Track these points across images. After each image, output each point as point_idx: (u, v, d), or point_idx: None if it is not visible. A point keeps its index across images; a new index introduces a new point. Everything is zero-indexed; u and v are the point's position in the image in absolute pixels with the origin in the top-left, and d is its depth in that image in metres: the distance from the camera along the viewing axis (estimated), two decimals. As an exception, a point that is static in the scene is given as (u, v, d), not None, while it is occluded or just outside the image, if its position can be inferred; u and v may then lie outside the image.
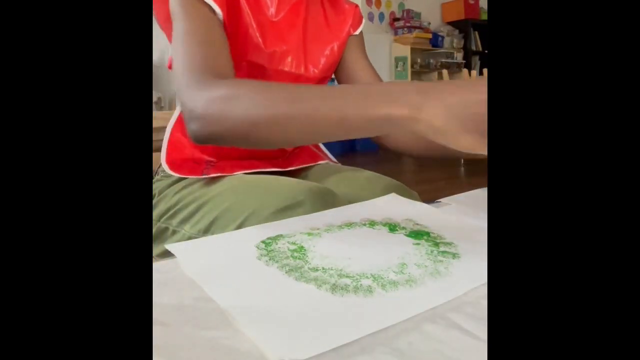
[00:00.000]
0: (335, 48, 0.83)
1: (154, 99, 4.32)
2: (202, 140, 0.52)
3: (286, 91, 0.47)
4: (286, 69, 0.76)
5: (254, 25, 0.71)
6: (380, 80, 0.86)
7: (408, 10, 5.62)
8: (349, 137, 0.44)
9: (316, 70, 0.80)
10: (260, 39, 0.72)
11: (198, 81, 0.53)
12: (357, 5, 0.87)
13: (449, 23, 5.98)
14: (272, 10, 0.74)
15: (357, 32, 0.86)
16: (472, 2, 5.82)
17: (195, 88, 0.53)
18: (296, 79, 0.78)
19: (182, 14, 0.61)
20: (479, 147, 0.36)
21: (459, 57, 5.98)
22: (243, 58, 0.72)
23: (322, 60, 0.81)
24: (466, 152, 0.38)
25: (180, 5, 0.61)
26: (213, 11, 0.63)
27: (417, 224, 0.50)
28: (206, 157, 0.78)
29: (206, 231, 0.65)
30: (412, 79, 5.48)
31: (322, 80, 0.83)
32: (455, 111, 0.36)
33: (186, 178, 0.74)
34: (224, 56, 0.60)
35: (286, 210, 0.58)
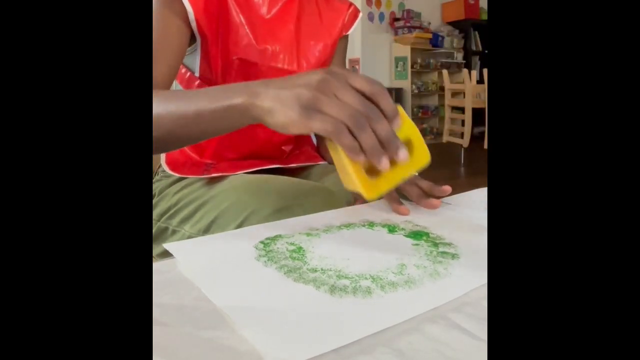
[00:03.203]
0: (329, 45, 0.84)
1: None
2: None
3: (162, 94, 0.52)
4: (279, 65, 0.78)
5: (245, 24, 0.73)
6: None
7: (408, 10, 5.61)
8: (212, 132, 0.49)
9: (309, 67, 0.81)
10: (251, 37, 0.74)
11: None
12: (351, 3, 0.88)
13: (449, 23, 5.98)
14: (264, 9, 0.76)
15: (349, 32, 0.88)
16: (472, 2, 5.82)
17: None
18: (288, 74, 0.79)
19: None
20: (290, 123, 0.40)
21: (459, 57, 5.98)
22: (235, 56, 0.73)
23: (316, 57, 0.82)
24: (285, 132, 0.41)
25: (155, 3, 0.66)
26: (183, 11, 0.66)
27: (417, 225, 0.50)
28: (205, 161, 0.79)
29: (206, 231, 0.65)
30: (412, 79, 5.49)
31: None
32: (281, 92, 0.41)
33: (186, 178, 0.74)
34: (163, 65, 0.65)
35: (286, 210, 0.58)
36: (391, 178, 0.41)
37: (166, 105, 0.50)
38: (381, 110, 0.40)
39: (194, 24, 0.68)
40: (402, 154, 0.39)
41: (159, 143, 0.53)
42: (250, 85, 0.44)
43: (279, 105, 0.41)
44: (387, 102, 0.40)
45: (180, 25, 0.67)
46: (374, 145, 0.38)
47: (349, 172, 0.40)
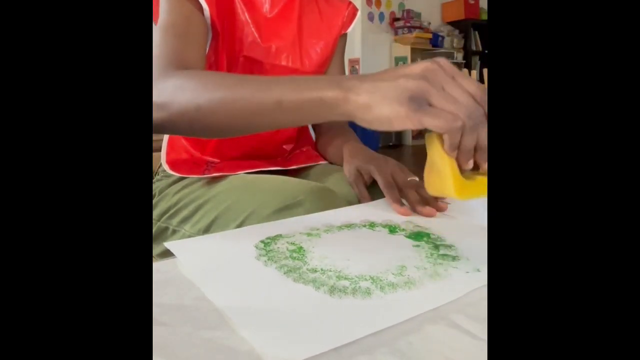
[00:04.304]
0: (330, 43, 0.85)
1: (154, 98, 4.31)
2: (154, 129, 0.54)
3: (228, 78, 0.49)
4: (283, 63, 0.78)
5: (250, 22, 0.74)
6: None
7: (408, 10, 5.61)
8: (287, 123, 0.46)
9: (312, 65, 0.82)
10: (257, 35, 0.75)
11: (162, 73, 0.56)
12: (349, 2, 0.89)
13: (449, 23, 5.97)
14: (267, 6, 0.77)
15: (348, 30, 0.89)
16: (472, 2, 5.82)
17: (158, 79, 0.55)
18: (292, 72, 0.80)
19: (166, 6, 0.64)
20: (396, 117, 0.37)
21: (459, 57, 5.98)
22: (240, 54, 0.74)
23: (317, 55, 0.83)
24: (386, 127, 0.38)
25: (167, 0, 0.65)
26: (199, 7, 0.66)
27: (418, 225, 0.50)
28: (207, 158, 0.79)
29: (206, 231, 0.65)
30: (412, 78, 5.47)
31: (316, 74, 0.84)
32: (380, 85, 0.38)
33: (186, 177, 0.74)
34: (194, 50, 0.64)
35: (286, 209, 0.58)
36: (484, 186, 0.38)
37: (237, 91, 0.47)
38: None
39: (208, 22, 0.69)
40: None
41: (215, 129, 0.49)
42: (340, 78, 0.42)
43: (378, 98, 0.38)
44: None
45: (201, 17, 0.67)
46: (472, 147, 0.37)
47: (443, 168, 0.38)
